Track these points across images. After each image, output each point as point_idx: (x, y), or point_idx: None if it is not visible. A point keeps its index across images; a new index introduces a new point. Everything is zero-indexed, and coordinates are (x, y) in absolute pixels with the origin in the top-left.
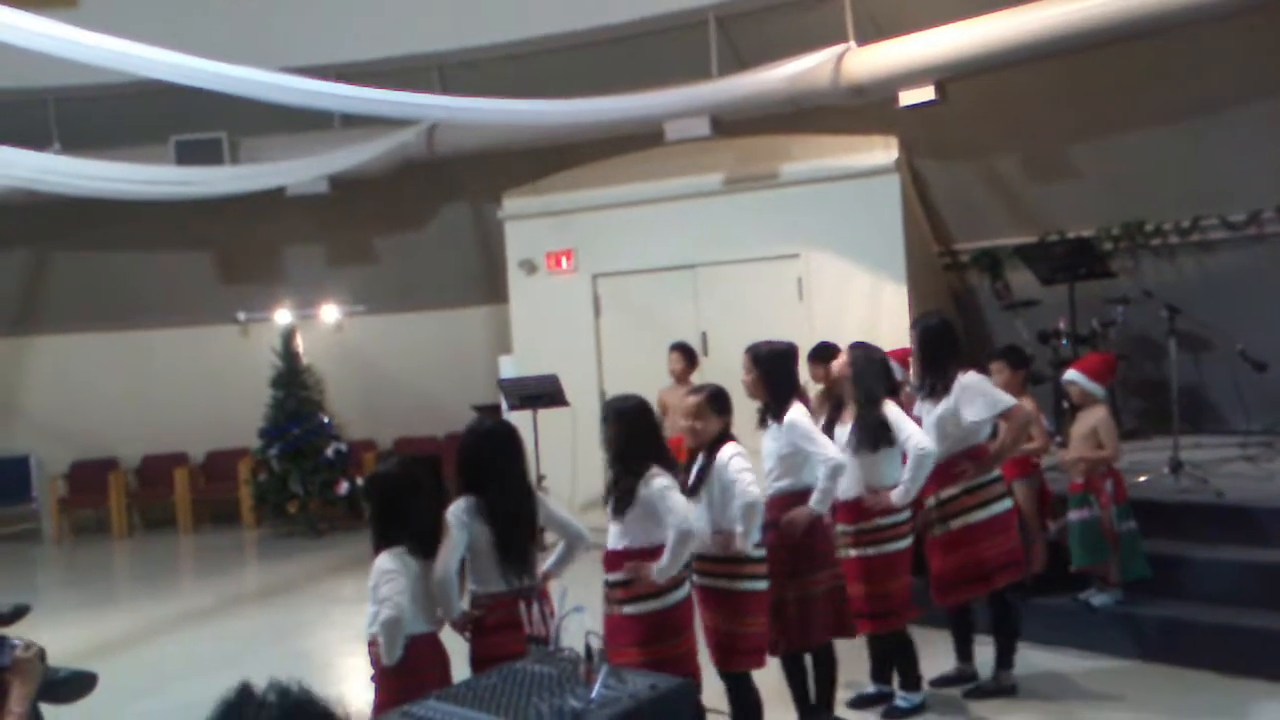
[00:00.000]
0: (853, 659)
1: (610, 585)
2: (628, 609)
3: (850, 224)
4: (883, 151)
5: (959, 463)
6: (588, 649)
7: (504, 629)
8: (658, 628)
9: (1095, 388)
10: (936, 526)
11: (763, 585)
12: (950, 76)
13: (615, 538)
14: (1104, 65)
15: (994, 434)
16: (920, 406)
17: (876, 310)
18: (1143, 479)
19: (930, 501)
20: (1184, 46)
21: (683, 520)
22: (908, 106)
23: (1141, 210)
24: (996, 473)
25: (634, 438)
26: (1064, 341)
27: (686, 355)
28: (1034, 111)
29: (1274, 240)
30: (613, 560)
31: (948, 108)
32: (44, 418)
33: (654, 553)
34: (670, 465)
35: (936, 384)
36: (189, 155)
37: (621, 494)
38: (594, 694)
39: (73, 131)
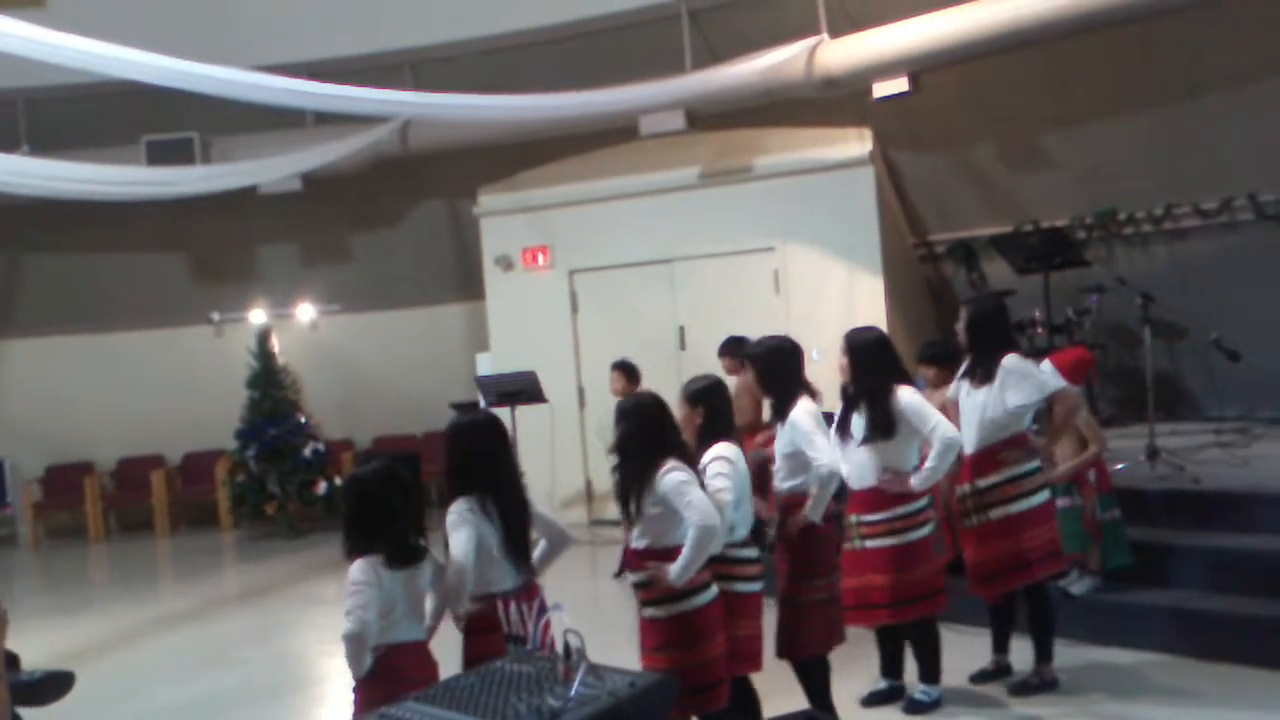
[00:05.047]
0: (862, 654)
1: (635, 586)
2: (648, 611)
3: (825, 217)
4: (857, 144)
5: (1000, 450)
6: (566, 647)
7: (497, 629)
8: (679, 632)
9: (1065, 385)
10: (973, 516)
11: (757, 587)
12: (923, 68)
13: (635, 537)
14: (1076, 54)
15: (1034, 421)
16: (958, 387)
17: (852, 302)
18: (1119, 467)
19: (964, 490)
20: (1157, 35)
21: (704, 517)
22: (881, 98)
23: (1115, 199)
24: (1037, 462)
25: (637, 435)
26: (1039, 331)
27: (626, 373)
28: (1007, 102)
29: (1246, 228)
30: (635, 560)
31: (921, 99)
32: (18, 421)
33: (671, 553)
34: (690, 460)
35: (980, 368)
36: (160, 155)
37: (631, 493)
38: (572, 692)
39: (42, 132)
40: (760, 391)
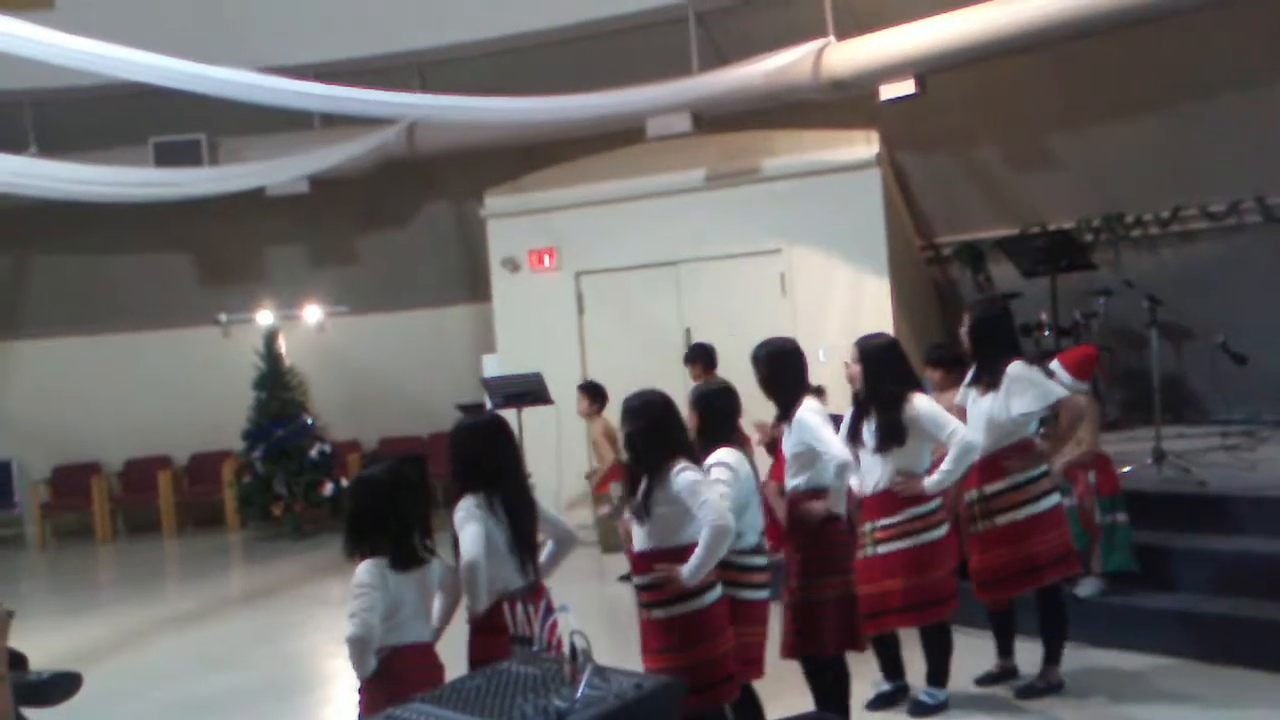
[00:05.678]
0: (866, 657)
1: (638, 588)
2: (656, 613)
3: (832, 219)
4: (864, 145)
5: (1006, 456)
6: (572, 648)
7: (504, 630)
8: (688, 631)
9: (1073, 382)
10: (980, 522)
11: (764, 594)
12: (930, 70)
13: (642, 539)
14: (1084, 57)
15: (1040, 426)
16: (965, 393)
17: (859, 305)
18: (1126, 469)
19: (972, 495)
20: (1164, 37)
21: (719, 516)
22: (888, 100)
23: (1122, 201)
24: (1044, 467)
25: (648, 434)
26: (1046, 333)
27: (589, 394)
28: (1014, 104)
29: (1253, 230)
30: (639, 562)
31: (928, 101)
32: (25, 422)
33: (681, 553)
34: (697, 462)
35: (986, 375)
36: (168, 157)
37: (643, 494)
38: (579, 694)
39: (50, 134)
40: (769, 393)
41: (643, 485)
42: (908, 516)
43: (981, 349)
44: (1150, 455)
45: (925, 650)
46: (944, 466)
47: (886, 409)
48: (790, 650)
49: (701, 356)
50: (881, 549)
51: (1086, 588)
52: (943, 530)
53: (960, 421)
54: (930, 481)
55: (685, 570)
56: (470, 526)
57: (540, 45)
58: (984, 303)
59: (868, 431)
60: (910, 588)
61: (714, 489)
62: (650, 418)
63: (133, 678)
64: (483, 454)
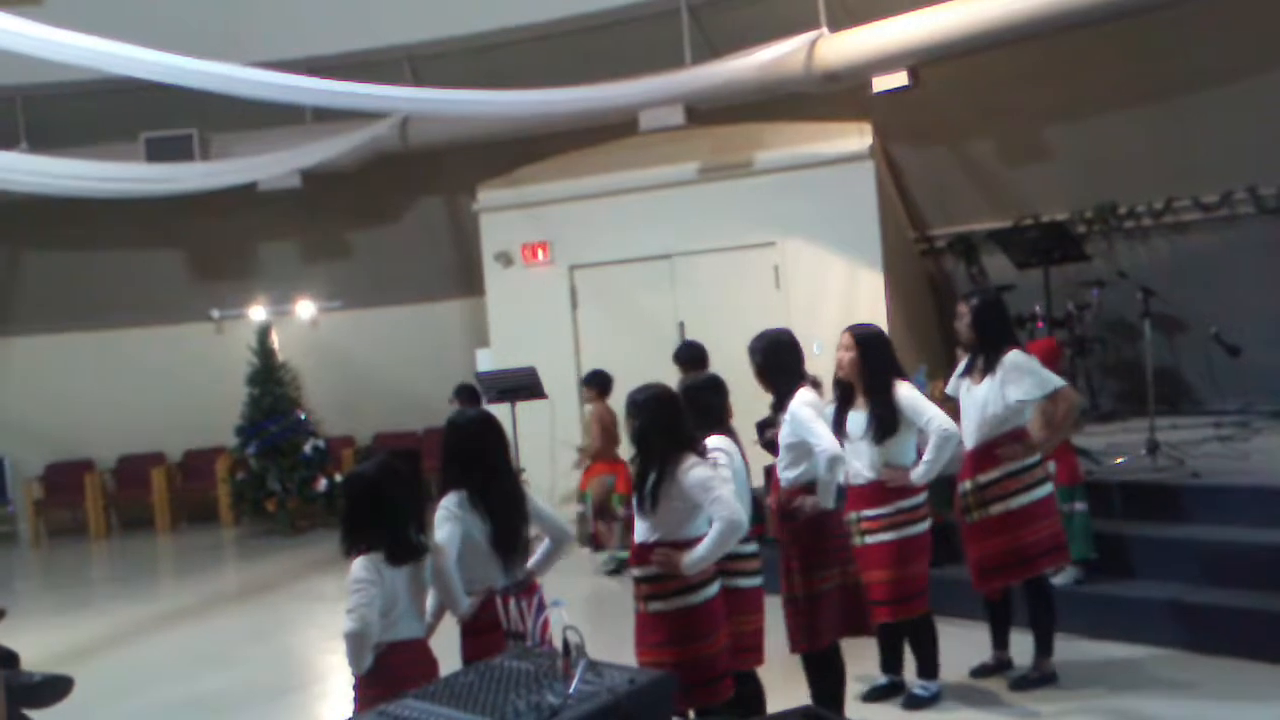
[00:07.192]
0: (861, 651)
1: (637, 580)
2: (654, 605)
3: (826, 211)
4: (857, 138)
5: (1000, 444)
6: (565, 644)
7: (497, 628)
8: (685, 626)
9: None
10: (974, 511)
11: (757, 581)
12: (922, 62)
13: (645, 531)
14: (1076, 48)
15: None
16: (957, 384)
17: (853, 297)
18: (1120, 460)
19: (965, 486)
20: (1156, 28)
21: (733, 512)
22: (881, 92)
23: (1114, 192)
24: (1037, 456)
25: (656, 429)
26: (1040, 325)
27: (464, 398)
28: (1007, 96)
29: (1246, 221)
30: (641, 554)
31: (921, 93)
32: (18, 419)
33: (684, 547)
34: (703, 453)
35: (984, 362)
36: (159, 152)
37: (649, 488)
38: (572, 689)
39: (41, 130)
40: (760, 384)
41: (650, 478)
42: (895, 509)
43: (984, 337)
44: (1144, 446)
45: (912, 644)
46: (926, 456)
47: (883, 400)
48: (796, 645)
49: (595, 382)
50: (869, 539)
51: (1061, 576)
52: (925, 524)
53: (939, 409)
54: (916, 473)
55: (688, 558)
56: (445, 528)
57: (532, 38)
58: (983, 293)
59: (853, 422)
60: (894, 579)
61: (726, 485)
62: (658, 412)
63: (127, 675)
64: (470, 448)
